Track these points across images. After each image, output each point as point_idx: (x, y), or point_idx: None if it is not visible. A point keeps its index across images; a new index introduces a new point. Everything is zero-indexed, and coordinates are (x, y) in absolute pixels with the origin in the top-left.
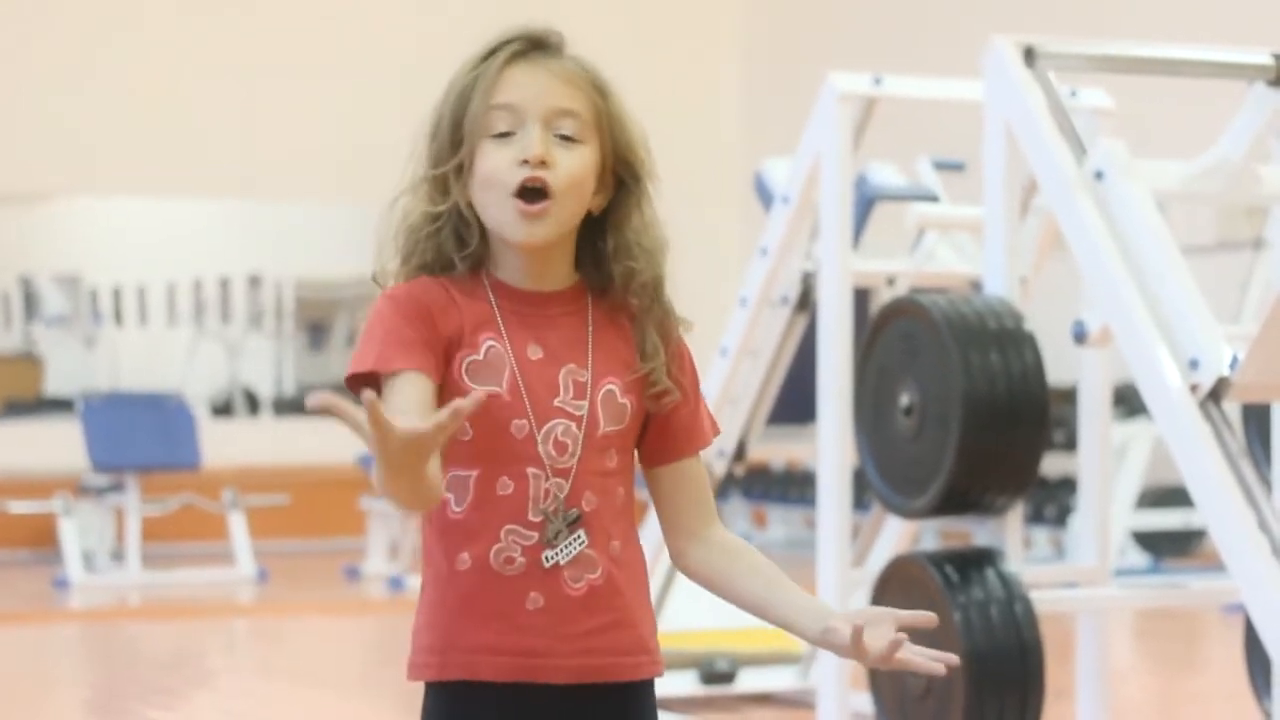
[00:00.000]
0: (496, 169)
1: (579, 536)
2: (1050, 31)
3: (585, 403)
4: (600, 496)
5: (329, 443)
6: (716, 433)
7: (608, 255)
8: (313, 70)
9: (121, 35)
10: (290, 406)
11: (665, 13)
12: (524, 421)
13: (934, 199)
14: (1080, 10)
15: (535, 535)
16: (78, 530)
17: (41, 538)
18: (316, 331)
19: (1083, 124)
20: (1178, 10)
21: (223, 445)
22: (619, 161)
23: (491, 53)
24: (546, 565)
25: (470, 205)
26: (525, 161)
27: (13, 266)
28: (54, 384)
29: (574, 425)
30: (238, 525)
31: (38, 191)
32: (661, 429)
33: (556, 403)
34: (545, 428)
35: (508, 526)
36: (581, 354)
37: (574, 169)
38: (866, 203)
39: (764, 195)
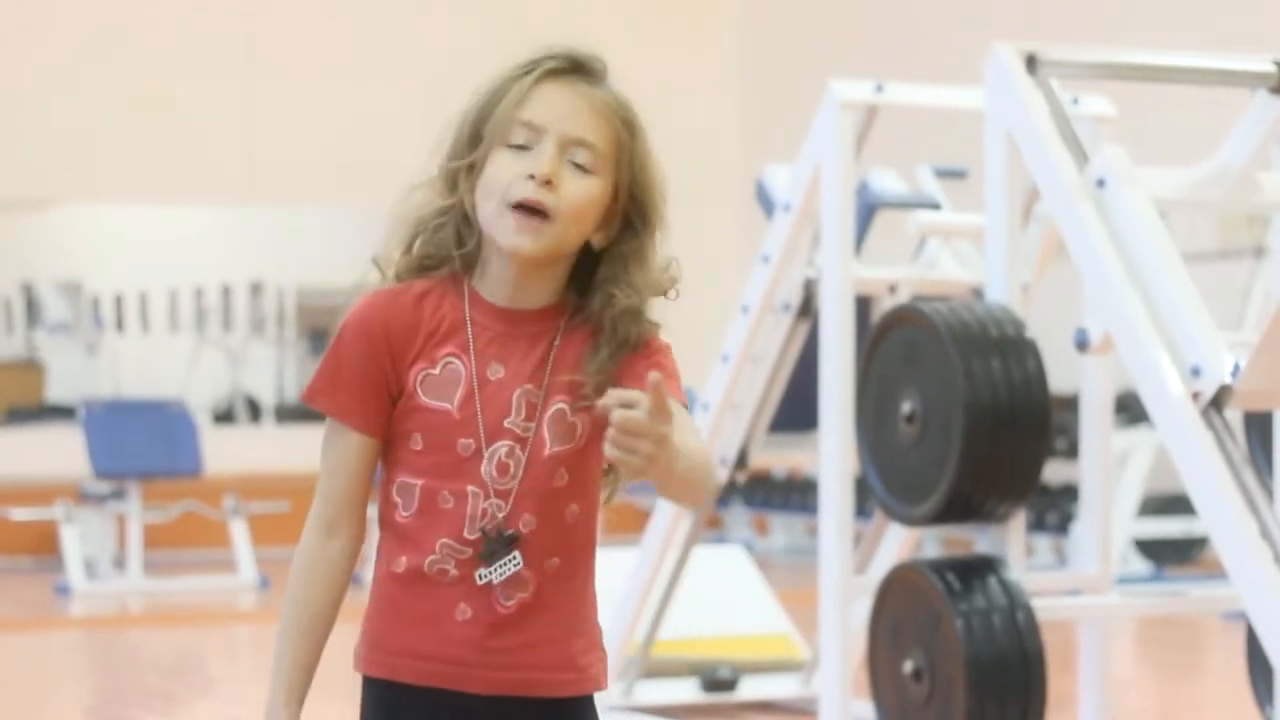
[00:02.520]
0: (502, 177)
1: (514, 557)
2: (1052, 39)
3: (534, 424)
4: (541, 517)
5: None
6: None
7: (595, 283)
8: (315, 77)
9: (122, 41)
10: (292, 413)
11: (665, 19)
12: (470, 441)
13: (936, 206)
14: (1082, 18)
15: (470, 550)
16: (79, 537)
17: (43, 545)
18: (318, 338)
19: (1084, 131)
20: (1180, 18)
21: (224, 452)
22: (630, 200)
23: (532, 66)
24: (480, 582)
25: (474, 206)
26: (531, 177)
27: (14, 273)
28: (56, 391)
29: (518, 447)
30: (239, 532)
31: (39, 198)
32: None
33: (506, 424)
34: (491, 449)
35: (443, 540)
36: (540, 374)
37: (578, 197)
38: (868, 210)
39: (765, 202)
